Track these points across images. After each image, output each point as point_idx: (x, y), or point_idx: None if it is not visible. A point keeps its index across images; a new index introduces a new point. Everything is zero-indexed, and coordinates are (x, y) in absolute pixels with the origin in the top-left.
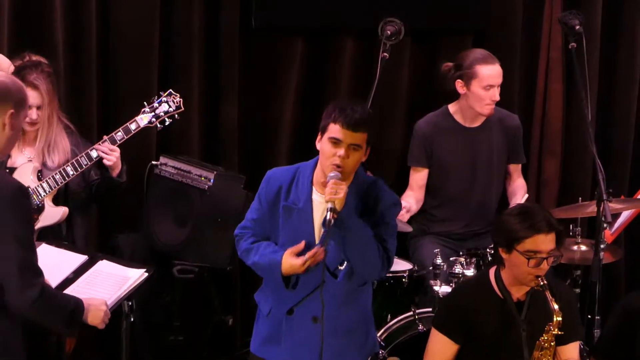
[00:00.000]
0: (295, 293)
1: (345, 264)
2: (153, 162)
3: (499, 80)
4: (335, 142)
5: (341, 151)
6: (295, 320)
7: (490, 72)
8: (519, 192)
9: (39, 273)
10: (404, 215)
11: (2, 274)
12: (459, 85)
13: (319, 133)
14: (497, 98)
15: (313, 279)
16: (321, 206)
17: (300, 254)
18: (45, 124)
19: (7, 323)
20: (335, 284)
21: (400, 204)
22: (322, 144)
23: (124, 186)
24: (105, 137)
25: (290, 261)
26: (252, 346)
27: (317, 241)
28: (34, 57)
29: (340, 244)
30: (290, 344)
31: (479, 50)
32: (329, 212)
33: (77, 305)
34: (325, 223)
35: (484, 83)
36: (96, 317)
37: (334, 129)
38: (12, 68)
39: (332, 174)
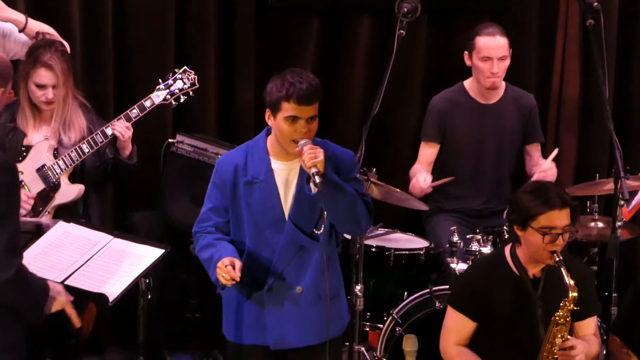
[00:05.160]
0: (271, 269)
1: (323, 227)
2: (170, 140)
3: (497, 52)
4: (293, 119)
5: (302, 128)
6: (276, 296)
7: (486, 44)
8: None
9: (19, 254)
10: (424, 190)
11: None
12: (466, 57)
13: (268, 109)
14: (496, 71)
15: (283, 252)
16: (283, 174)
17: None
18: (61, 103)
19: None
20: (318, 248)
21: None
22: (278, 123)
23: (135, 167)
24: (121, 115)
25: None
26: (234, 336)
27: (285, 211)
28: (47, 36)
29: (329, 206)
30: (277, 321)
31: (487, 23)
32: (316, 177)
33: (43, 290)
34: (317, 185)
35: (481, 54)
36: (59, 303)
37: (289, 107)
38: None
39: (302, 142)
